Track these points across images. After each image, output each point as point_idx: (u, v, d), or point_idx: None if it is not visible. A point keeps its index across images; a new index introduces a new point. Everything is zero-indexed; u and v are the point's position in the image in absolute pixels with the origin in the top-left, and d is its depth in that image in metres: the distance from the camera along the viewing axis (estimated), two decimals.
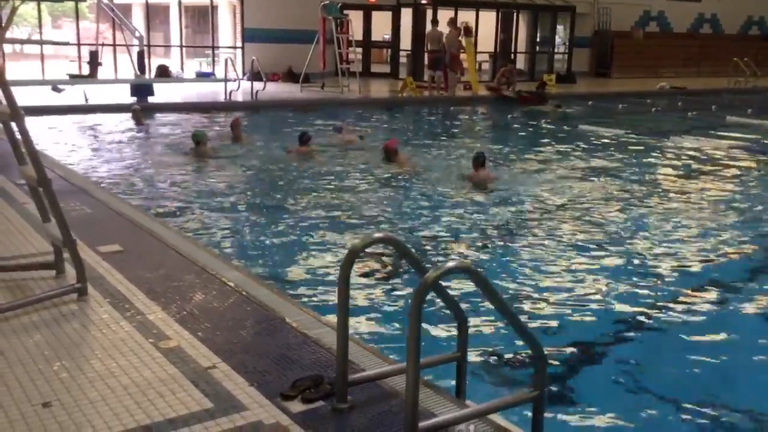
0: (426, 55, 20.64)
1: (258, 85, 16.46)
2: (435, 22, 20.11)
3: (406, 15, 23.32)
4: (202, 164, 9.96)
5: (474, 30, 20.29)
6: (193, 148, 10.37)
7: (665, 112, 19.07)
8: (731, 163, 11.47)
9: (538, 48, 25.54)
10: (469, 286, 5.00)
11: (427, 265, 3.25)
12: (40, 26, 21.25)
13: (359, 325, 4.70)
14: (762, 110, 18.19)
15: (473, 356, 4.15)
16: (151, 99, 15.70)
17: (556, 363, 4.27)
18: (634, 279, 5.85)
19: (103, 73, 17.80)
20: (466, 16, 21.86)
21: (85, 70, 17.50)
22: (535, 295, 5.43)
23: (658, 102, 20.41)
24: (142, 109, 13.77)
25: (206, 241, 6.31)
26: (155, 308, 4.03)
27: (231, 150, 10.86)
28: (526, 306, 5.20)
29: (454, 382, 3.28)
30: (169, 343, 3.59)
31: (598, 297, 5.43)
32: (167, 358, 3.43)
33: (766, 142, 13.87)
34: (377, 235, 3.11)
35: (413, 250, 3.31)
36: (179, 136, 12.37)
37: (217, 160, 10.15)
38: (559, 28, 25.72)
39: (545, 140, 13.63)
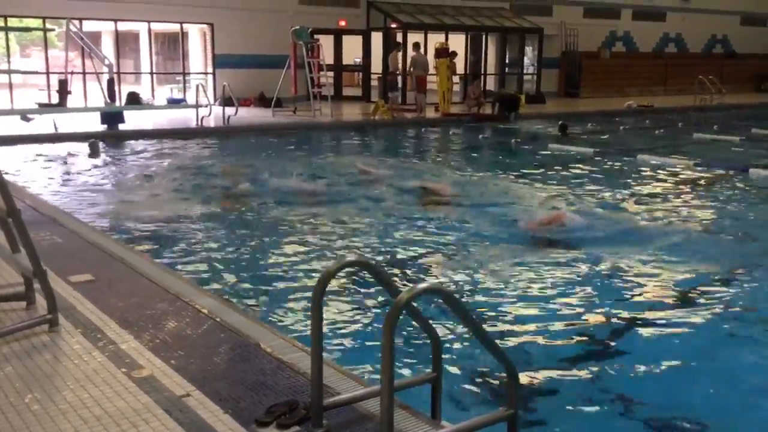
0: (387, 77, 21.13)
1: (230, 111, 16.46)
2: (396, 45, 20.46)
3: (377, 39, 23.50)
4: (170, 192, 9.89)
5: (448, 51, 20.42)
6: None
7: (633, 129, 19.35)
8: (698, 178, 11.66)
9: (507, 69, 25.87)
10: (442, 306, 5.02)
11: (399, 288, 3.27)
12: (9, 55, 21.11)
13: (334, 348, 4.70)
14: (728, 126, 18.53)
15: (448, 376, 4.16)
16: (121, 126, 15.62)
17: (530, 381, 4.30)
18: (609, 297, 5.89)
19: (72, 101, 17.68)
20: (435, 39, 22.08)
21: (55, 98, 17.38)
22: (508, 315, 5.46)
23: (625, 120, 20.71)
24: (100, 140, 13.70)
25: (178, 268, 6.28)
26: (128, 337, 4.00)
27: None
28: (499, 325, 5.23)
29: (429, 402, 3.29)
30: (142, 372, 3.56)
31: (572, 315, 5.47)
32: (140, 387, 3.41)
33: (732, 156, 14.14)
34: (349, 258, 3.13)
35: (385, 273, 3.33)
36: (148, 163, 12.29)
37: (187, 189, 10.09)
38: (528, 49, 26.08)
39: (516, 159, 13.77)
